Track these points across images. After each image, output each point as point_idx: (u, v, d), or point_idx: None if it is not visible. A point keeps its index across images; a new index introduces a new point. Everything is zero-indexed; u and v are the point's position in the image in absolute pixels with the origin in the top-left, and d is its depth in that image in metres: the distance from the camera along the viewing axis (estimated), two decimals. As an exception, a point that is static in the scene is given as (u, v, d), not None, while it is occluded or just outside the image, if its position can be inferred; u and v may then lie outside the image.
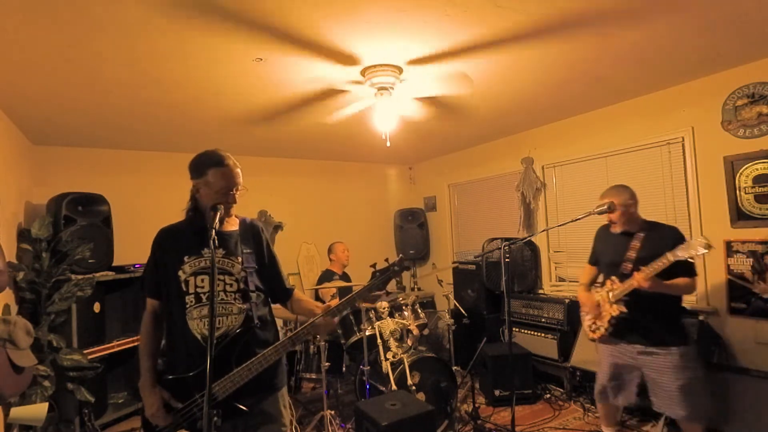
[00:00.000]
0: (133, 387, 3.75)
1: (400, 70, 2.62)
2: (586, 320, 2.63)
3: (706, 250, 2.08)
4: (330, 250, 4.32)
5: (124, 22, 1.94)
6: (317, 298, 3.95)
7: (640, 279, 2.21)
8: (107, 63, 2.36)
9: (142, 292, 1.67)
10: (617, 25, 2.22)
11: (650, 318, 2.36)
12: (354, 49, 2.34)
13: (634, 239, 2.42)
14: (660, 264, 2.20)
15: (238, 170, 1.62)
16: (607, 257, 2.55)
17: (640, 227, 2.44)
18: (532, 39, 2.32)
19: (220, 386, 1.46)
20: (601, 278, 2.62)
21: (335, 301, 1.67)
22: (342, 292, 3.55)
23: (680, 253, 2.13)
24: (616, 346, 2.49)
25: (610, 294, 2.44)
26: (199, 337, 1.52)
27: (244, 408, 1.49)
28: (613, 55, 2.61)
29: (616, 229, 2.49)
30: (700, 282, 3.05)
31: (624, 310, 2.38)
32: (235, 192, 1.60)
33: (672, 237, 2.30)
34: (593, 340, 2.60)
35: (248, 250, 1.65)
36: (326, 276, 4.17)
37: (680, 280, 2.28)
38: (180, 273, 1.56)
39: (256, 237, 1.71)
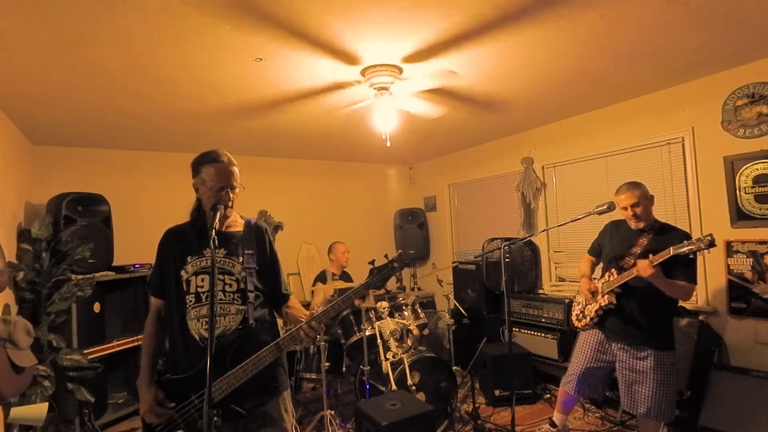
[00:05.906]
0: (134, 387, 3.75)
1: (399, 70, 2.62)
2: (576, 308, 2.66)
3: (708, 247, 2.04)
4: (330, 250, 4.30)
5: (123, 22, 1.94)
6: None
7: (644, 266, 2.18)
8: (107, 63, 2.36)
9: (149, 291, 1.67)
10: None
11: (638, 315, 2.35)
12: (355, 47, 2.33)
13: (642, 236, 2.42)
14: (663, 254, 2.16)
15: (234, 169, 1.60)
16: (612, 251, 2.54)
17: (651, 226, 2.43)
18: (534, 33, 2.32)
19: (216, 388, 1.44)
20: (597, 272, 2.64)
21: (315, 310, 1.62)
22: (342, 293, 3.54)
23: (684, 248, 2.09)
24: (598, 336, 2.51)
25: (605, 285, 2.45)
26: (197, 337, 1.52)
27: (241, 411, 1.47)
28: (613, 55, 2.61)
29: (638, 225, 2.42)
30: (700, 282, 3.05)
31: (614, 301, 2.39)
32: (229, 190, 1.58)
33: (680, 239, 2.22)
34: (577, 328, 2.65)
35: (250, 251, 1.64)
36: (322, 276, 4.14)
37: (679, 282, 2.26)
38: (182, 273, 1.57)
39: (259, 238, 1.70)
